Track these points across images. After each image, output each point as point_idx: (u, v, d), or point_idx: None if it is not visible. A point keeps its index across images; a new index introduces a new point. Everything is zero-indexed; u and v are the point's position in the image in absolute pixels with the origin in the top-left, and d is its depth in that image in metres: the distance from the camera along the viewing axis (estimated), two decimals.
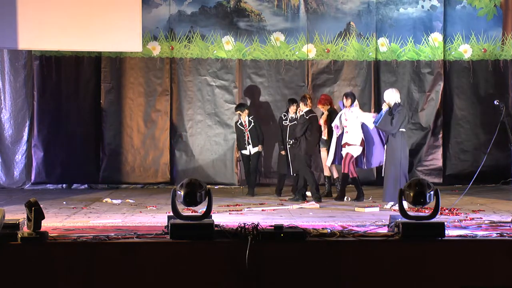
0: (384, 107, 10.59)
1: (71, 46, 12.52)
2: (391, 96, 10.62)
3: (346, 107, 11.55)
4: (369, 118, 11.30)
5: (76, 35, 12.05)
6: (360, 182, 11.82)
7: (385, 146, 10.70)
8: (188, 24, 14.03)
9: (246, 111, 12.43)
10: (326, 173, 12.31)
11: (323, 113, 12.17)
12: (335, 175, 12.09)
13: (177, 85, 14.08)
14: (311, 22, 14.14)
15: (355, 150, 11.43)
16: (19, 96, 13.80)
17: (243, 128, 12.35)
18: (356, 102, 11.62)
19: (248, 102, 13.84)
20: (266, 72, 14.17)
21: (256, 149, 12.34)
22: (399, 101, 10.67)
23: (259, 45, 14.10)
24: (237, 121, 12.59)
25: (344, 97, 11.68)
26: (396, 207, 10.05)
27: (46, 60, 13.76)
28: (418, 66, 14.26)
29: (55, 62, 13.80)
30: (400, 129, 10.43)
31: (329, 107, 12.15)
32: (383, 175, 10.66)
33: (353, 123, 11.44)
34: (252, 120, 12.38)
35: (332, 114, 12.02)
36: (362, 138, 11.36)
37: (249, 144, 12.32)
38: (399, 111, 10.43)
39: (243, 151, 12.37)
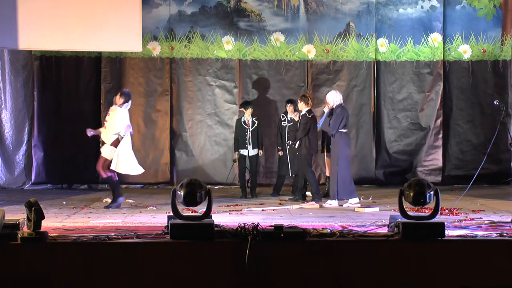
0: (325, 109, 10.88)
1: (71, 46, 12.51)
2: (333, 98, 10.89)
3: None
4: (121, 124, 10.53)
5: (76, 35, 12.05)
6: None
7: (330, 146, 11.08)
8: (188, 24, 14.04)
9: (250, 110, 12.17)
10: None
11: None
12: None
13: (177, 85, 14.08)
14: (311, 23, 14.15)
15: (107, 152, 10.53)
16: (20, 96, 13.80)
17: (246, 127, 12.13)
18: (129, 102, 10.68)
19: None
20: (266, 72, 14.17)
21: (255, 151, 12.19)
22: (340, 102, 10.91)
23: (259, 45, 14.11)
24: (240, 119, 12.33)
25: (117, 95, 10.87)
26: (346, 204, 10.59)
27: (46, 60, 13.77)
28: (417, 66, 14.27)
29: (55, 62, 13.82)
30: (340, 130, 10.73)
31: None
32: (327, 174, 11.10)
33: (111, 120, 10.60)
34: (256, 121, 12.24)
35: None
36: (118, 138, 10.49)
37: (249, 144, 12.19)
38: (337, 113, 10.71)
39: (242, 151, 12.14)
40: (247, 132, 12.11)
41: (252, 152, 12.12)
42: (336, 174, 10.70)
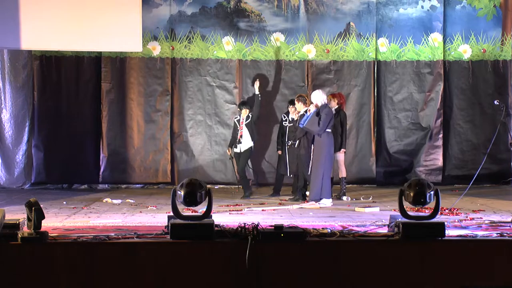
0: (312, 108, 10.97)
1: (71, 46, 12.51)
2: (318, 97, 11.05)
3: None
4: None
5: (76, 35, 12.05)
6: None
7: (312, 145, 11.12)
8: (189, 24, 14.04)
9: (247, 110, 12.24)
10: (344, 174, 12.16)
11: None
12: (343, 174, 11.99)
13: (177, 85, 14.08)
14: (311, 23, 14.14)
15: None
16: (19, 96, 13.80)
17: (238, 125, 12.22)
18: None
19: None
20: (266, 73, 14.17)
21: (246, 146, 12.19)
22: (326, 102, 11.09)
23: (259, 46, 14.11)
24: (236, 117, 12.44)
25: None
26: (319, 204, 10.63)
27: (46, 60, 13.76)
28: (418, 66, 14.27)
29: (55, 62, 13.81)
30: (326, 130, 10.88)
31: (337, 106, 11.97)
32: (309, 173, 11.12)
33: None
34: (250, 115, 12.20)
35: (338, 113, 11.88)
36: None
37: (239, 142, 12.17)
38: (325, 113, 10.86)
39: (235, 149, 12.23)
40: (238, 131, 12.19)
41: (244, 148, 12.14)
42: (322, 173, 10.79)
